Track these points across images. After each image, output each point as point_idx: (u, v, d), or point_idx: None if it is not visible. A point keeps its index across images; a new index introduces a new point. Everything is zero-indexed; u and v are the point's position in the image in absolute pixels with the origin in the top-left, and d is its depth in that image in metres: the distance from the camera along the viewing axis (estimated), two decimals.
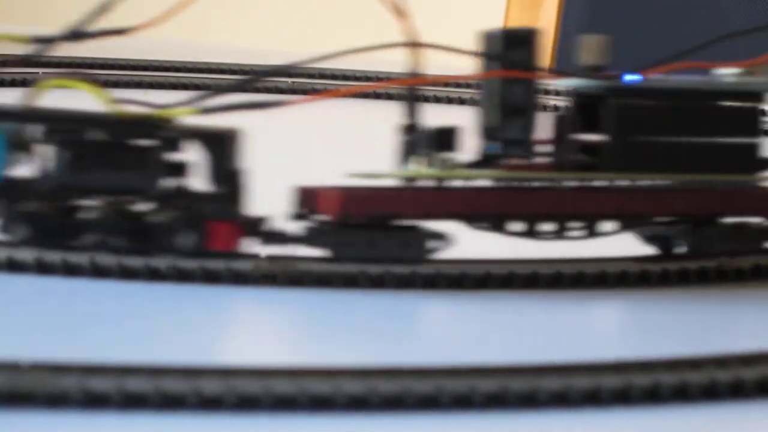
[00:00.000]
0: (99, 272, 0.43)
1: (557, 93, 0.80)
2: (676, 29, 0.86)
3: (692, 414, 0.33)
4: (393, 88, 0.77)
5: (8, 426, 0.30)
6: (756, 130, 0.48)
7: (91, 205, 0.44)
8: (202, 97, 0.46)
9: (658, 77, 0.48)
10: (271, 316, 0.43)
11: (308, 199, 0.44)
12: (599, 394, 0.33)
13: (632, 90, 0.48)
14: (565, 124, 0.46)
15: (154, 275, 0.43)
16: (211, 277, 0.43)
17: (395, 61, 0.83)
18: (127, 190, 0.44)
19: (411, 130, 0.45)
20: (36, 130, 0.44)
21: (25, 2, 2.13)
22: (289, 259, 0.43)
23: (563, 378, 0.33)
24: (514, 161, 0.46)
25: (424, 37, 0.81)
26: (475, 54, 0.47)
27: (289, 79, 0.96)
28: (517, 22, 1.26)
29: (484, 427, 0.32)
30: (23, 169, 0.44)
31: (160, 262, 0.43)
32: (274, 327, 0.41)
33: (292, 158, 0.76)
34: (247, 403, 0.31)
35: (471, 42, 0.77)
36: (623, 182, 0.47)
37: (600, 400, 0.33)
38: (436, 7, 1.81)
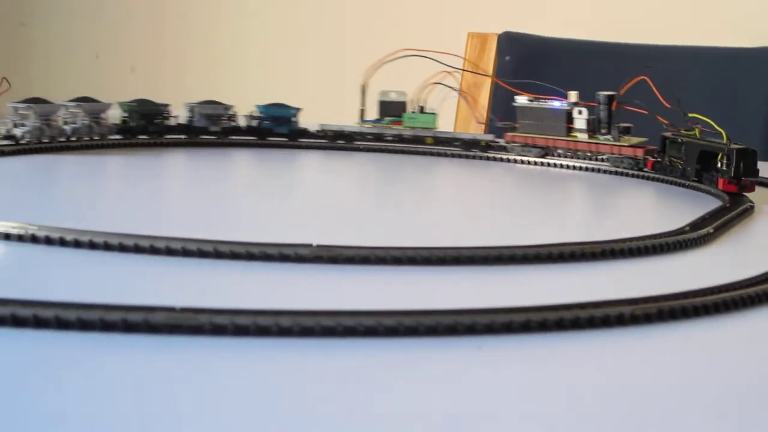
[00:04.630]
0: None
1: None
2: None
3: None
4: None
5: (166, 347, 0.31)
6: None
7: None
8: None
9: None
10: (321, 282, 0.42)
11: None
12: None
13: None
14: None
15: (249, 256, 0.43)
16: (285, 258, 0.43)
17: None
18: None
19: None
20: None
21: None
22: (333, 247, 0.43)
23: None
24: None
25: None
26: None
27: None
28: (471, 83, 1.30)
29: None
30: None
31: (273, 249, 0.42)
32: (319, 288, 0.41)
33: None
34: (306, 332, 0.33)
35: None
36: None
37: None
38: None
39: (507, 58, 1.35)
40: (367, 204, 0.69)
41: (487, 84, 1.33)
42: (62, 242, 0.43)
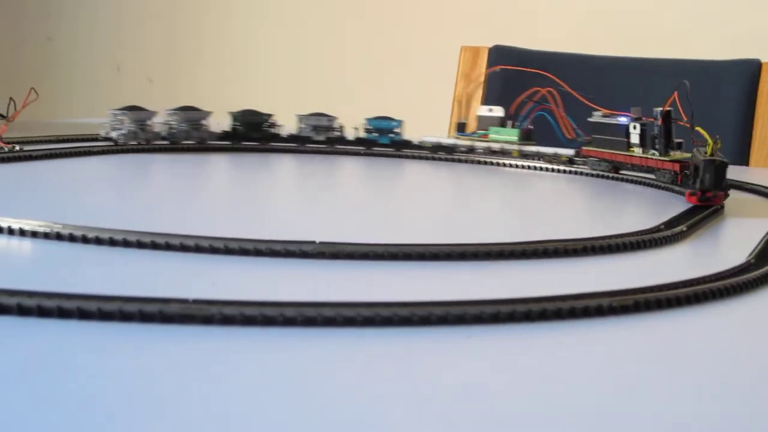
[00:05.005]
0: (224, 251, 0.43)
1: None
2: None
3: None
4: None
5: (180, 335, 0.32)
6: None
7: None
8: None
9: None
10: (323, 276, 0.41)
11: None
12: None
13: None
14: None
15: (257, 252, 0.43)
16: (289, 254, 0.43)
17: None
18: None
19: None
20: None
21: None
22: (334, 244, 0.43)
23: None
24: None
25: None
26: None
27: None
28: (463, 92, 1.29)
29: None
30: None
31: (279, 246, 0.43)
32: (321, 282, 0.41)
33: None
34: (309, 322, 0.33)
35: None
36: None
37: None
38: (396, 80, 1.74)
39: (497, 69, 1.35)
40: (395, 206, 0.69)
41: (478, 94, 1.33)
42: (84, 239, 0.43)
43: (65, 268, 0.41)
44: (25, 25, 2.12)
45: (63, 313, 0.32)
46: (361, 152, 0.91)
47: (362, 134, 0.91)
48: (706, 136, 0.66)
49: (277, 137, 0.91)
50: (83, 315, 0.32)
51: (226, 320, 0.32)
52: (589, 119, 0.83)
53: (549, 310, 0.35)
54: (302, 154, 0.90)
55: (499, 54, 1.37)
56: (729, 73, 1.27)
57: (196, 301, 0.32)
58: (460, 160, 0.90)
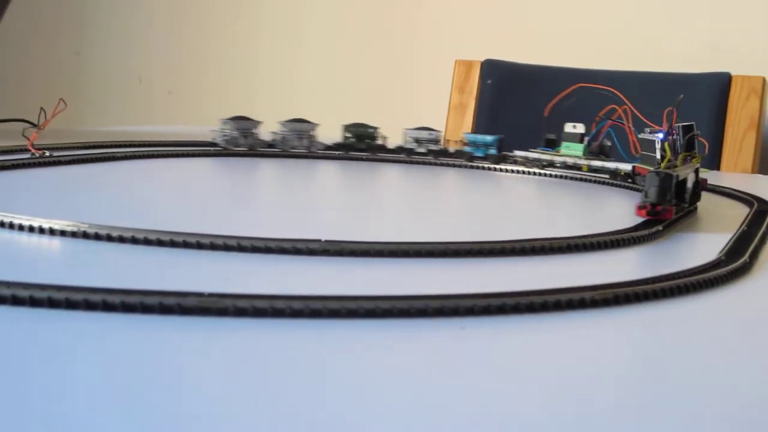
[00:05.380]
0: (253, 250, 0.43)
1: None
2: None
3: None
4: None
5: (199, 326, 0.31)
6: None
7: None
8: None
9: None
10: (330, 272, 0.41)
11: None
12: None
13: None
14: None
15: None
16: (297, 251, 0.43)
17: None
18: None
19: None
20: None
21: None
22: (338, 242, 0.43)
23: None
24: None
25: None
26: None
27: None
28: (457, 103, 1.29)
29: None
30: None
31: (287, 244, 0.43)
32: (324, 275, 0.41)
33: None
34: (315, 314, 0.33)
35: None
36: None
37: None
38: (391, 107, 1.73)
39: (489, 81, 1.35)
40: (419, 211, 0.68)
41: (471, 104, 1.33)
42: (109, 238, 0.43)
43: (92, 265, 0.41)
44: (55, 42, 2.12)
45: (90, 306, 0.32)
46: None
47: (461, 148, 0.92)
48: (668, 151, 0.64)
49: (383, 148, 0.92)
50: (107, 307, 0.32)
51: (239, 312, 0.32)
52: (640, 135, 0.78)
53: (536, 303, 0.35)
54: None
55: (490, 67, 1.37)
56: (702, 85, 1.27)
57: (211, 295, 0.32)
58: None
